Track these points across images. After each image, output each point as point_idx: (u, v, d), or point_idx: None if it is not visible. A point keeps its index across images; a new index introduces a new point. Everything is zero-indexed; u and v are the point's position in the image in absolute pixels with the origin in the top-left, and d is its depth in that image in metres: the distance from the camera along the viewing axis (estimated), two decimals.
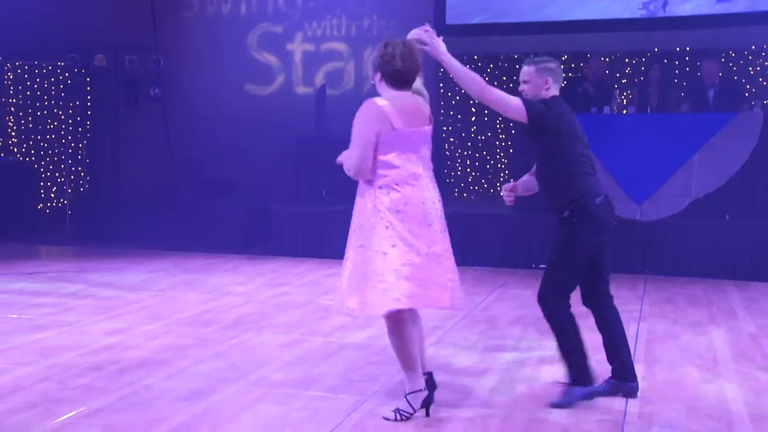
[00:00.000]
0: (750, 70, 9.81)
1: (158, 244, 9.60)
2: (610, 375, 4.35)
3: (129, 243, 9.65)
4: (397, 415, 3.93)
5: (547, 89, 4.35)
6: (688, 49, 9.95)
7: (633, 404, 4.21)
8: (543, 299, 4.24)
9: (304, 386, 4.47)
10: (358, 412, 4.06)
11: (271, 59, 11.56)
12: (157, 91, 11.32)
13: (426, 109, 4.07)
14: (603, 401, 4.25)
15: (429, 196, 3.96)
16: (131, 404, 4.14)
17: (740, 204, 8.00)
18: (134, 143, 11.69)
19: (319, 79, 11.21)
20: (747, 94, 9.11)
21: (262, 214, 9.64)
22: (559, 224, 4.28)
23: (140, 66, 11.63)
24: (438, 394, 4.09)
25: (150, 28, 10.78)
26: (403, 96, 3.96)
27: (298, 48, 11.47)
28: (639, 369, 4.82)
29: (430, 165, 4.08)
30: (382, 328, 5.78)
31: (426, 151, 4.05)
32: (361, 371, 4.76)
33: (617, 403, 4.23)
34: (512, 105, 4.17)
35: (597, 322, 4.40)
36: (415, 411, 3.93)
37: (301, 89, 11.44)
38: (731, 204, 8.00)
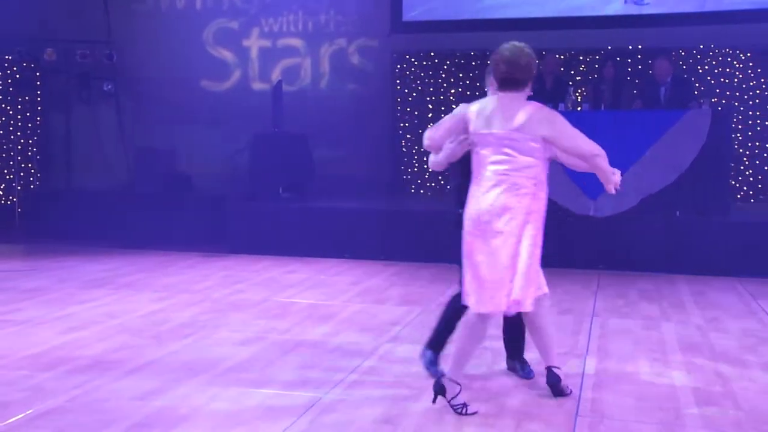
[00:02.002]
0: (699, 69, 10.00)
1: (112, 242, 9.48)
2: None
3: (81, 240, 9.50)
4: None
5: None
6: (640, 47, 10.11)
7: (586, 396, 4.27)
8: None
9: (259, 384, 4.44)
10: (314, 409, 4.05)
11: (227, 55, 11.47)
12: (110, 86, 11.16)
13: None
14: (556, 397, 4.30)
15: None
16: (83, 405, 4.07)
17: (690, 200, 8.15)
18: (87, 139, 11.52)
19: (275, 75, 11.16)
20: (696, 92, 9.29)
21: (218, 211, 9.56)
22: None
23: (92, 60, 11.46)
24: (395, 389, 4.08)
25: (102, 22, 10.61)
26: None
27: (254, 44, 11.39)
28: (592, 363, 4.89)
29: None
30: (338, 324, 5.80)
31: None
32: (317, 368, 4.75)
33: (570, 397, 4.28)
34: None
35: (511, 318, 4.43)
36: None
37: (258, 85, 11.37)
38: (682, 200, 8.15)
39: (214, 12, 11.42)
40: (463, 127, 4.10)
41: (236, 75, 11.46)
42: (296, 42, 11.27)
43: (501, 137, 3.96)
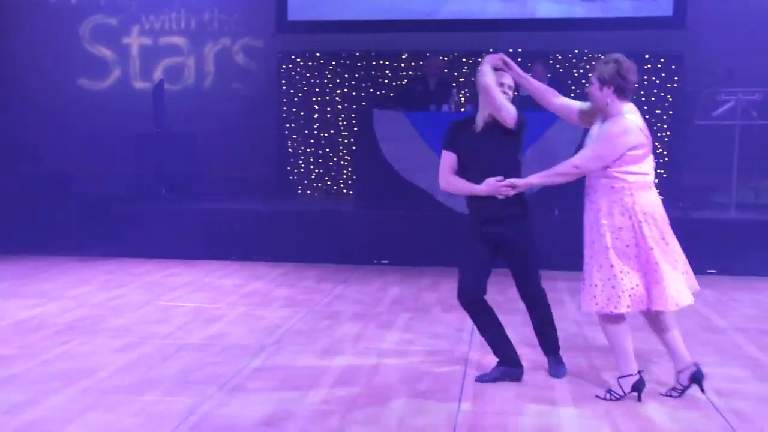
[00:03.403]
0: (574, 73, 10.39)
1: None
2: (498, 362, 4.59)
3: None
4: (608, 395, 4.26)
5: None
6: (520, 50, 10.40)
7: (467, 393, 4.36)
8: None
9: (139, 391, 4.32)
10: (196, 415, 3.98)
11: (106, 52, 11.09)
12: None
13: None
14: (439, 392, 4.38)
15: None
16: None
17: (566, 198, 8.42)
18: None
19: (157, 73, 10.88)
20: (572, 95, 9.63)
21: (99, 213, 9.22)
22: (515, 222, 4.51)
23: None
24: (279, 392, 4.05)
25: None
26: None
27: (135, 41, 11.07)
28: (474, 358, 5.01)
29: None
30: (222, 327, 5.71)
31: None
32: (199, 372, 4.67)
33: (452, 389, 4.37)
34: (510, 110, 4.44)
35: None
36: (625, 394, 4.20)
37: (139, 84, 11.05)
38: (561, 198, 8.42)
39: (91, 7, 11.03)
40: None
41: (116, 73, 11.10)
42: (179, 40, 11.02)
43: None
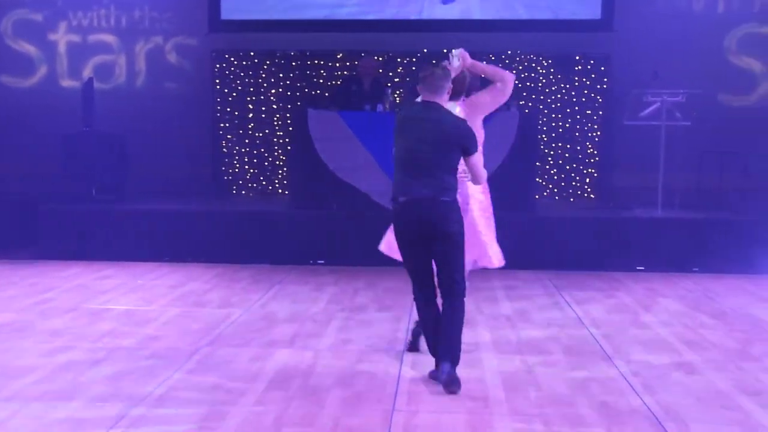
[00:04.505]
0: None
1: None
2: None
3: None
4: None
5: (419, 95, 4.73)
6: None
7: (402, 392, 4.39)
8: None
9: (67, 397, 4.22)
10: (126, 420, 3.90)
11: (31, 49, 10.77)
12: None
13: None
14: (375, 391, 4.39)
15: None
16: None
17: (500, 197, 8.53)
18: None
19: (87, 72, 10.62)
20: None
21: (26, 215, 8.96)
22: None
23: None
24: (213, 394, 4.00)
25: None
26: None
27: (62, 38, 10.79)
28: (409, 357, 5.04)
29: None
30: (155, 330, 5.62)
31: None
32: (130, 377, 4.58)
33: (387, 389, 4.39)
34: None
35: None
36: None
37: (67, 82, 10.78)
38: (492, 197, 8.52)
39: (14, 1, 10.70)
40: None
41: (42, 71, 10.79)
42: (109, 38, 10.78)
43: None
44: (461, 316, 4.52)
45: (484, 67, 5.31)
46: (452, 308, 4.50)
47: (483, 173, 4.68)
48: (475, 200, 5.13)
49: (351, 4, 10.49)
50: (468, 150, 4.49)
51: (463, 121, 4.64)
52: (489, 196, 5.24)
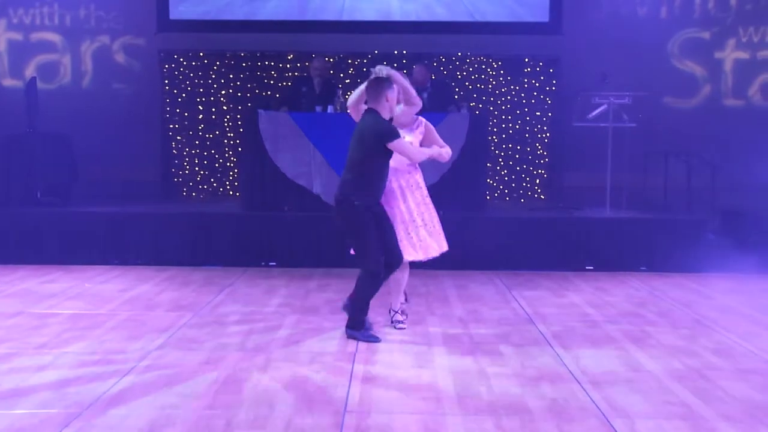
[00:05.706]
0: (458, 75, 10.62)
1: None
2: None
3: None
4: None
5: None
6: (405, 52, 10.55)
7: (354, 392, 4.38)
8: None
9: (10, 405, 4.12)
10: (71, 427, 3.82)
11: None
12: None
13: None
14: (326, 393, 4.38)
15: None
16: None
17: (451, 198, 8.60)
18: None
19: (30, 71, 10.40)
20: (456, 97, 9.86)
21: None
22: None
23: None
24: (163, 398, 3.93)
25: None
26: None
27: (2, 36, 10.55)
28: (361, 360, 5.03)
29: None
30: (103, 334, 5.52)
31: None
32: (77, 381, 4.49)
33: (339, 390, 4.38)
34: None
35: None
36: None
37: (9, 82, 10.55)
38: (443, 198, 8.58)
39: None
40: None
41: None
42: (53, 37, 10.58)
43: None
44: (361, 284, 5.44)
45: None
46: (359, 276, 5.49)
47: (413, 153, 5.52)
48: (417, 188, 5.81)
49: (301, 6, 10.47)
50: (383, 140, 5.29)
51: (383, 121, 5.37)
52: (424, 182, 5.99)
